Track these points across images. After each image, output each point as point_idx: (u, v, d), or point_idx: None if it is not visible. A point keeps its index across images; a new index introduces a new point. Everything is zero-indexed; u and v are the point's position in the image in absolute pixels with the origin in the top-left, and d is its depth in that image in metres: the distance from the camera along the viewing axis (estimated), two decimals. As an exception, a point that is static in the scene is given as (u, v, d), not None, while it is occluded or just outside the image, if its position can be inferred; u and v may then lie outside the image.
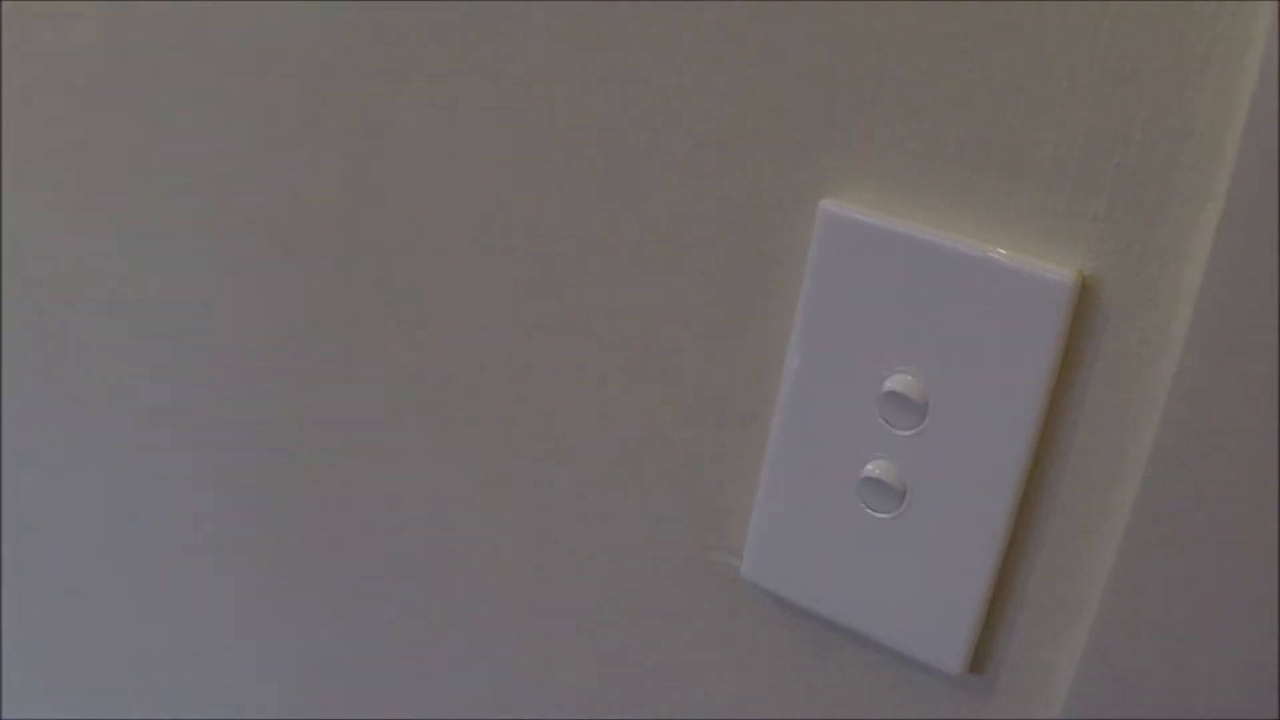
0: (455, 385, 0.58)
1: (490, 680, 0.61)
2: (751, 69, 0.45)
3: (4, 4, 0.52)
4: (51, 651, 0.86)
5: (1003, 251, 0.41)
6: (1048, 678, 0.44)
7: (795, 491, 0.46)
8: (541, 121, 0.50)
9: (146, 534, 0.75)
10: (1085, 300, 0.40)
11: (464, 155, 0.53)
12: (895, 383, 0.43)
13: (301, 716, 0.72)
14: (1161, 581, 0.39)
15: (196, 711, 0.78)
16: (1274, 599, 0.38)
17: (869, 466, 0.44)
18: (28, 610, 0.86)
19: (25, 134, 0.71)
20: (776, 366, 0.47)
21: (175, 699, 0.79)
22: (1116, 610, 0.40)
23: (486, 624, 0.60)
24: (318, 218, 0.59)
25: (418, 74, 0.53)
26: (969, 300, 0.41)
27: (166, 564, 0.75)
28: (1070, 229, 0.40)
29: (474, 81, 0.52)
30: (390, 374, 0.60)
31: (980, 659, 0.44)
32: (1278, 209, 0.36)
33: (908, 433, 0.43)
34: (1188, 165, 0.38)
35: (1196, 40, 0.36)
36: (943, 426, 0.42)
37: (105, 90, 0.66)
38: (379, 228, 0.57)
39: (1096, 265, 0.40)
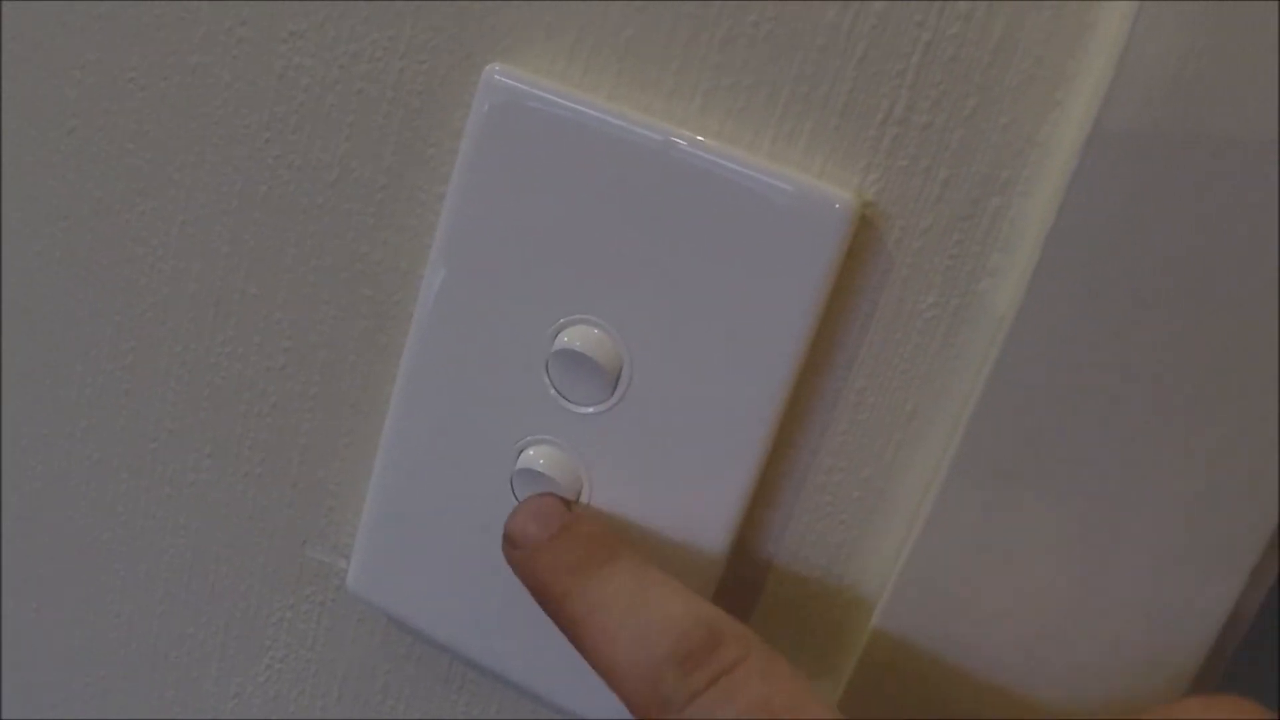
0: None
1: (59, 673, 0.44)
2: None
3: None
4: None
5: (751, 158, 0.28)
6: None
7: (420, 481, 0.32)
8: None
9: None
10: (865, 235, 0.28)
11: None
12: (573, 337, 0.29)
13: None
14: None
15: None
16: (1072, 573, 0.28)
17: (529, 454, 0.30)
18: None
19: None
20: (411, 305, 0.33)
21: None
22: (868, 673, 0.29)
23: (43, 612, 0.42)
24: None
25: None
26: (696, 225, 0.28)
27: None
28: (850, 134, 0.28)
29: None
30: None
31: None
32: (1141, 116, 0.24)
33: (588, 409, 0.29)
34: (1030, 47, 0.26)
35: None
36: (640, 403, 0.29)
37: None
38: None
39: (883, 186, 0.28)
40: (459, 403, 0.31)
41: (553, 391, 0.29)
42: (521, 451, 0.30)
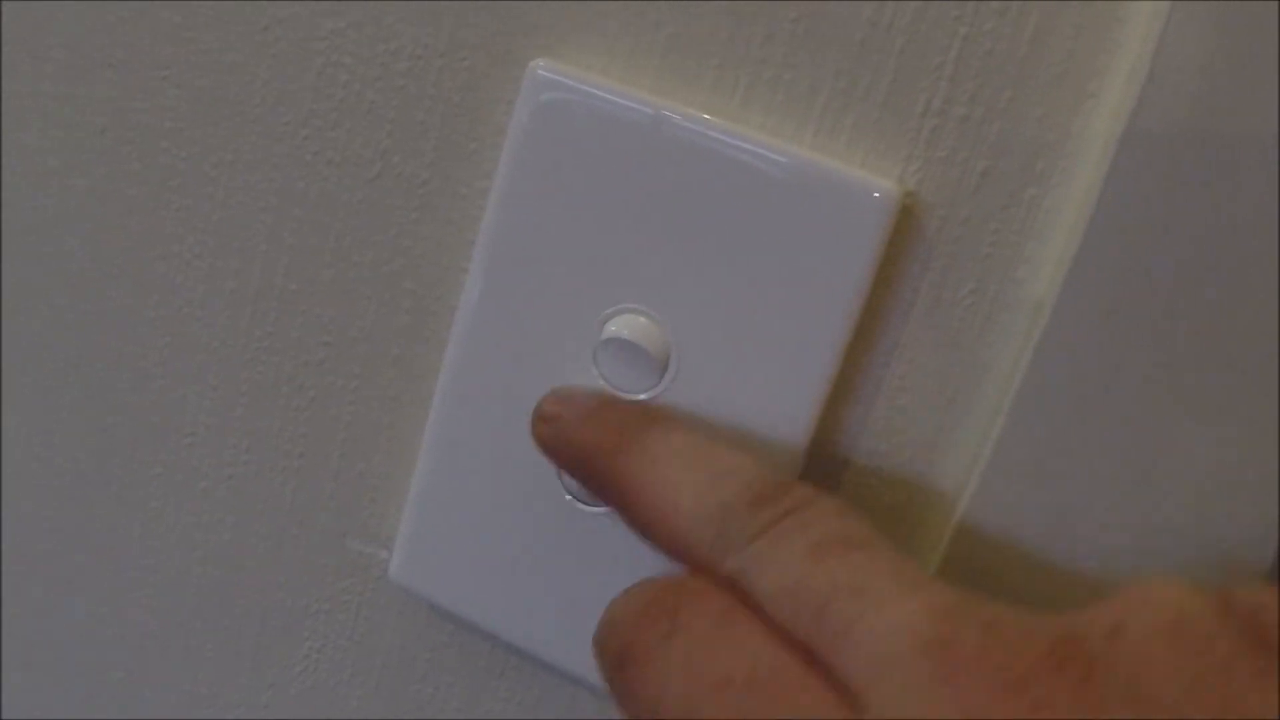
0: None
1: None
2: None
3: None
4: None
5: (793, 150, 0.29)
6: None
7: (466, 471, 0.32)
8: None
9: None
10: (906, 224, 0.29)
11: None
12: (620, 325, 0.30)
13: None
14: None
15: None
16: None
17: (578, 442, 0.31)
18: None
19: None
20: (454, 298, 0.33)
21: None
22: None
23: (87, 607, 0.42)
24: None
25: None
26: (740, 216, 0.29)
27: None
28: (890, 127, 0.29)
29: None
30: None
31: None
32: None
33: (636, 397, 0.30)
34: (1064, 41, 0.27)
35: None
36: (688, 391, 0.30)
37: None
38: None
39: (923, 177, 0.29)
40: (505, 393, 0.31)
41: (601, 381, 0.30)
42: (569, 440, 0.31)
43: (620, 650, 0.23)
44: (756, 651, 0.21)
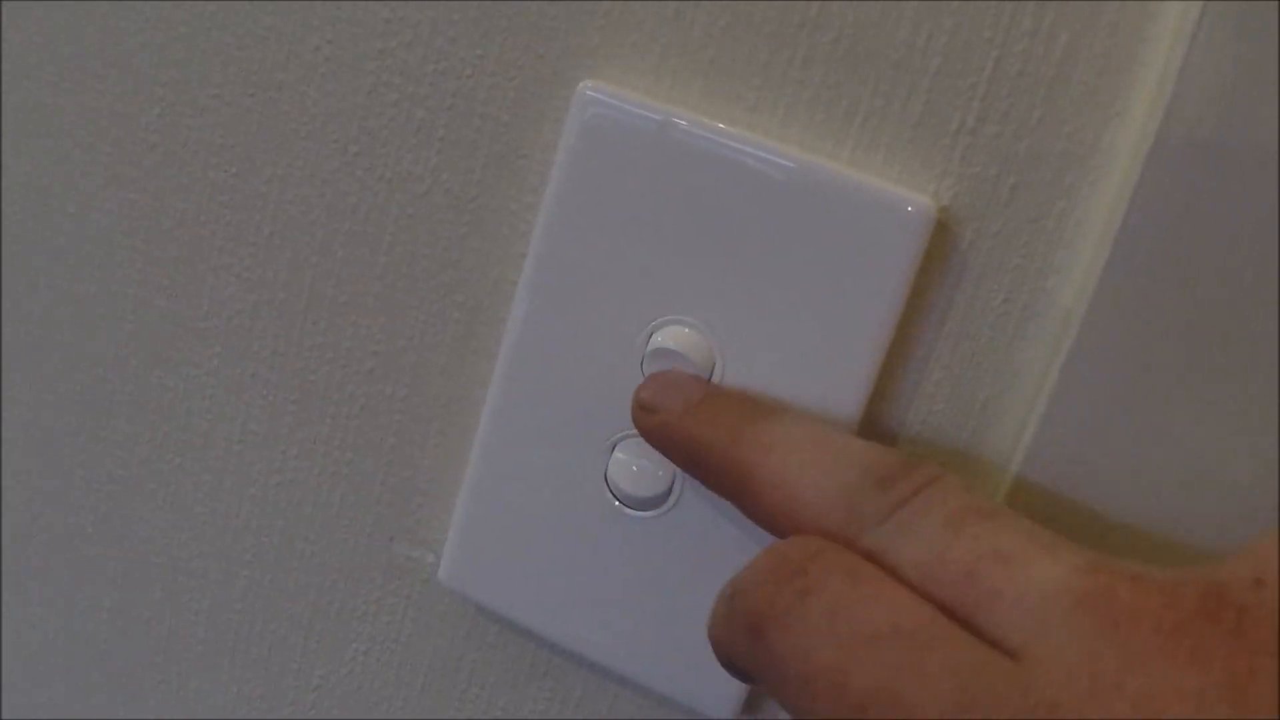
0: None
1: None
2: None
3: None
4: None
5: (832, 166, 0.30)
6: None
7: (515, 477, 0.33)
8: None
9: None
10: (940, 238, 0.30)
11: None
12: (667, 337, 0.31)
13: None
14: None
15: None
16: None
17: (623, 448, 0.32)
18: None
19: None
20: (502, 310, 0.34)
21: None
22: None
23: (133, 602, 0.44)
24: None
25: None
26: (781, 230, 0.30)
27: None
28: (925, 144, 0.30)
29: None
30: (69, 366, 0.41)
31: (758, 702, 0.34)
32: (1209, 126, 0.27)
33: (681, 405, 0.31)
34: (1092, 60, 0.28)
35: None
36: (730, 399, 0.31)
37: None
38: None
39: (957, 192, 0.30)
40: (554, 402, 0.32)
41: (647, 389, 0.31)
42: (615, 445, 0.32)
43: (753, 617, 0.23)
44: (899, 604, 0.21)
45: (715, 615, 0.24)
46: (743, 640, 0.23)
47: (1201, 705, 0.19)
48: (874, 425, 0.31)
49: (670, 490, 0.32)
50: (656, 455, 0.31)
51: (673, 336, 0.31)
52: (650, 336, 0.31)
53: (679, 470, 0.31)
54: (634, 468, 0.32)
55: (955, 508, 0.23)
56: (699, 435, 0.27)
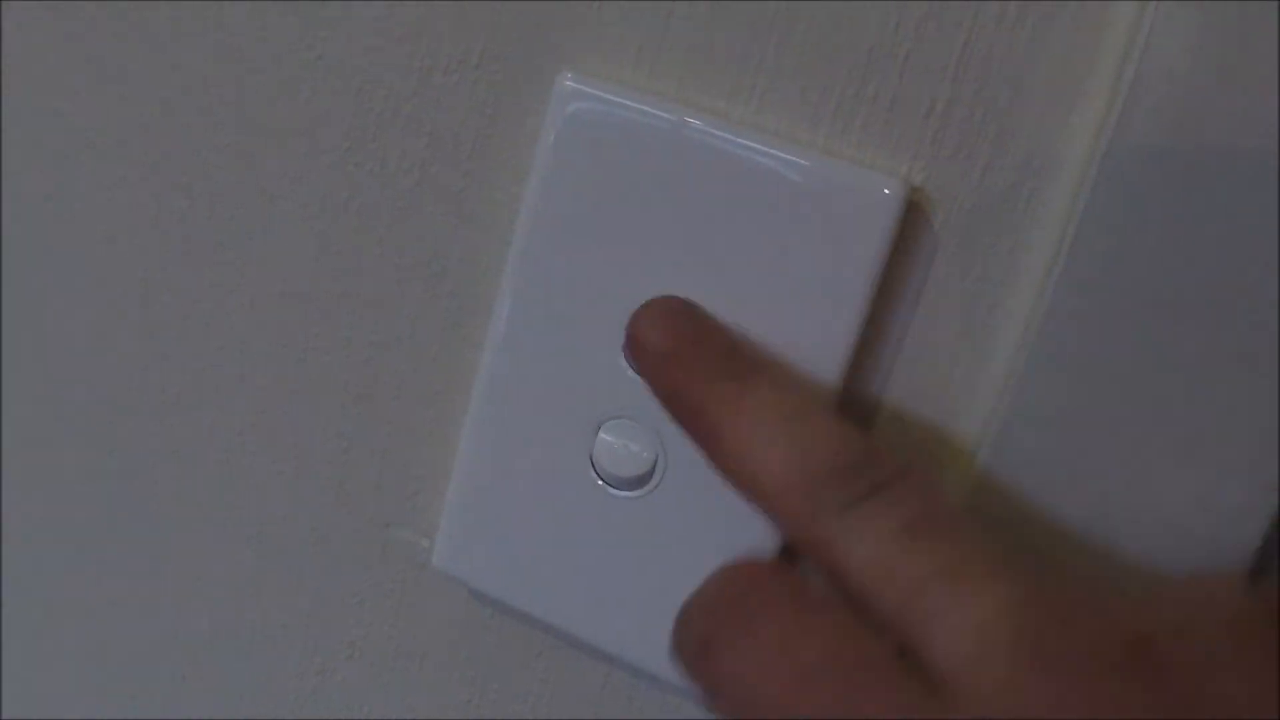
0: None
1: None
2: None
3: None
4: None
5: (808, 151, 0.31)
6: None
7: (505, 459, 0.34)
8: None
9: None
10: (914, 218, 0.31)
11: None
12: (649, 319, 0.32)
13: None
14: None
15: None
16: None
17: (607, 429, 0.33)
18: None
19: None
20: (490, 298, 0.35)
21: None
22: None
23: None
24: None
25: None
26: (759, 214, 0.31)
27: None
28: (897, 127, 0.31)
29: None
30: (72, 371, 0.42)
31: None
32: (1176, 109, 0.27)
33: (664, 386, 0.32)
34: (1057, 45, 0.29)
35: None
36: (711, 379, 0.32)
37: None
38: None
39: (929, 174, 0.31)
40: (540, 386, 0.33)
41: (630, 372, 0.32)
42: (600, 426, 0.33)
43: (700, 643, 0.24)
44: (840, 633, 0.22)
45: (673, 633, 0.25)
46: (694, 662, 0.24)
47: None
48: (849, 403, 0.32)
49: (654, 471, 0.33)
50: (640, 436, 0.32)
51: (654, 319, 0.31)
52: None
53: (661, 451, 0.32)
54: (618, 448, 0.32)
55: (913, 514, 0.23)
56: (675, 389, 0.27)
